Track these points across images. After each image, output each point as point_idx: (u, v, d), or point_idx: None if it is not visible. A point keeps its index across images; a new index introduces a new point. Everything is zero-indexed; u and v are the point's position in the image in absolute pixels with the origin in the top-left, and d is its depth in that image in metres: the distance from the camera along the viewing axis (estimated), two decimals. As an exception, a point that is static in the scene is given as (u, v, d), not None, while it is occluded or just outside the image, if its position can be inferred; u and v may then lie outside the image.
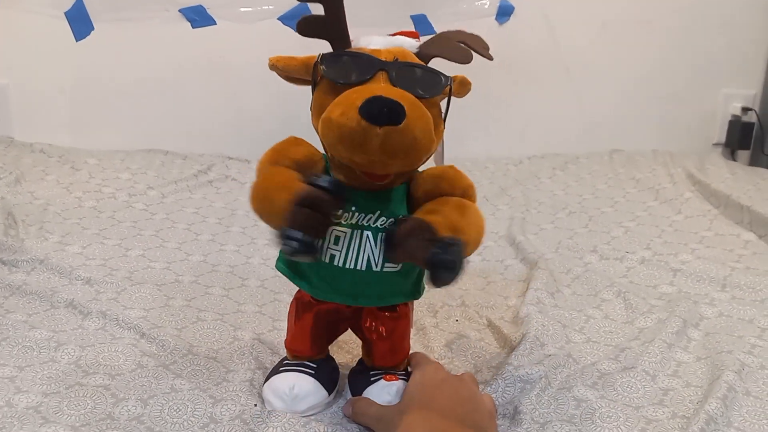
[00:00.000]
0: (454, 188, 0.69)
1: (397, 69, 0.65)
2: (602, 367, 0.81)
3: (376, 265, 0.68)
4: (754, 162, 1.77)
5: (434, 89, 0.67)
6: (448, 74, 0.69)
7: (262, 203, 0.65)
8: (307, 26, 0.68)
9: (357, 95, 0.62)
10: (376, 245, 0.67)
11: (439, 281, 0.61)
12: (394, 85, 0.64)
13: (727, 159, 1.73)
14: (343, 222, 0.67)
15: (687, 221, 1.29)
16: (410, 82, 0.65)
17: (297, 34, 0.68)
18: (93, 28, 1.52)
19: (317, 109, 0.68)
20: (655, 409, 0.74)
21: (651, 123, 1.76)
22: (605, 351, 0.86)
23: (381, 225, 0.68)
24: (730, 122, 1.77)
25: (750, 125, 1.75)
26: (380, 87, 0.64)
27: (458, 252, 0.61)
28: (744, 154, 1.80)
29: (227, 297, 0.97)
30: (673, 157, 1.62)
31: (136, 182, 1.37)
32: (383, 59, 0.66)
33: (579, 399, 0.75)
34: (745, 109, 1.76)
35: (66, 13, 1.51)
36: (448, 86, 0.68)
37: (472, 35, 0.74)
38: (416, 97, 0.64)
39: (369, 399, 0.71)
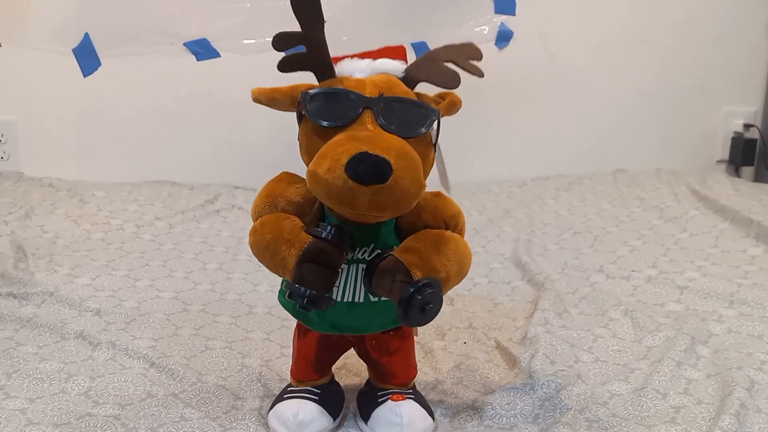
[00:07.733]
0: (436, 219, 0.68)
1: (383, 106, 0.63)
2: (612, 387, 0.81)
3: (374, 296, 0.68)
4: (758, 178, 1.77)
5: (422, 126, 0.65)
6: (438, 91, 0.69)
7: (272, 258, 0.64)
8: (288, 64, 0.67)
9: (343, 149, 0.60)
10: None
11: (410, 321, 0.61)
12: (380, 127, 0.63)
13: (731, 176, 1.73)
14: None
15: (692, 239, 1.29)
16: (396, 121, 0.63)
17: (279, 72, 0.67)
18: (100, 64, 1.54)
19: (304, 146, 0.67)
20: (668, 427, 0.73)
21: (652, 141, 1.77)
22: (614, 370, 0.85)
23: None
24: (733, 139, 1.78)
25: (752, 142, 1.76)
26: (366, 134, 0.62)
27: (432, 294, 0.61)
28: (748, 171, 1.80)
29: (235, 325, 0.98)
30: (677, 176, 1.63)
31: (144, 213, 1.39)
32: (368, 95, 0.64)
33: (591, 420, 0.74)
34: (747, 126, 1.77)
35: (74, 50, 1.54)
36: (437, 119, 0.66)
37: (462, 47, 0.72)
38: (403, 137, 0.63)
39: None
